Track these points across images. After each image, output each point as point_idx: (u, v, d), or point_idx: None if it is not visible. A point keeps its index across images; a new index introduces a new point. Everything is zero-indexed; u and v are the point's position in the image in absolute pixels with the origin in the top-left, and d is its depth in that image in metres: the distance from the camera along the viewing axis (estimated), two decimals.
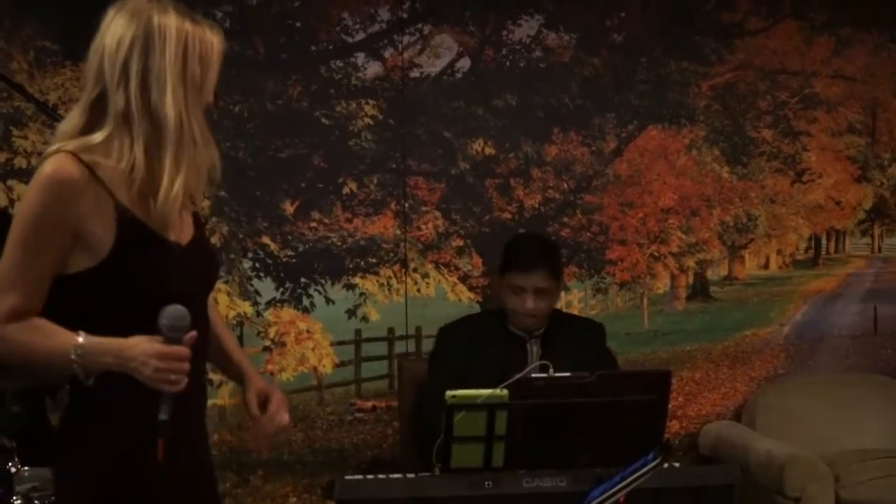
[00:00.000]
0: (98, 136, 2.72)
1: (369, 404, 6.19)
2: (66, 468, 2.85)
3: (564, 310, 5.86)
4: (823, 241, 6.96)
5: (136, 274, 2.70)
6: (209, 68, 2.77)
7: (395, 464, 5.39)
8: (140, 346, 2.61)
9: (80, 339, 2.63)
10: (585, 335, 4.68)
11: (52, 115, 4.31)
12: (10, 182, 5.70)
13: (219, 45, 2.79)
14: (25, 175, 5.70)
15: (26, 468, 4.20)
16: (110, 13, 2.83)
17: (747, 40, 6.53)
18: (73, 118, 2.78)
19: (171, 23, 2.72)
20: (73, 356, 2.63)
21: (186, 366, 2.62)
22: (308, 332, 6.08)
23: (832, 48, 6.62)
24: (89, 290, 2.70)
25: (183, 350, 2.62)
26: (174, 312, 2.62)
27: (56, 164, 2.70)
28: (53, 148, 2.74)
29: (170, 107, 2.70)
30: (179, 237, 2.80)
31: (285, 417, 2.95)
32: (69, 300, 2.71)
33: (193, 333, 2.64)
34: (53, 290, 2.70)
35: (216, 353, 3.01)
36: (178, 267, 2.76)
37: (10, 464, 4.16)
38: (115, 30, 2.80)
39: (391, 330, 6.23)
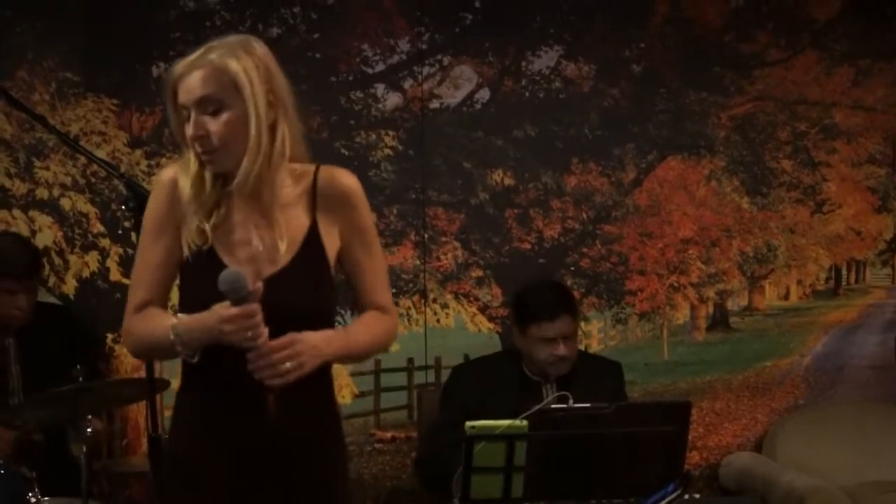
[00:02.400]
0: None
1: (388, 435, 6.18)
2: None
3: (584, 341, 5.86)
4: (844, 272, 6.93)
5: (191, 293, 2.88)
6: (172, 112, 2.94)
7: (415, 495, 5.40)
8: (213, 316, 2.76)
9: (175, 321, 2.83)
10: (602, 376, 4.68)
11: (73, 147, 4.33)
12: (31, 213, 5.73)
13: (179, 77, 2.89)
14: (47, 206, 5.73)
15: (47, 498, 4.21)
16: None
17: (767, 71, 6.53)
18: None
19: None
20: (172, 336, 2.82)
21: (257, 320, 2.74)
22: None
23: (852, 78, 6.62)
24: (181, 286, 2.96)
25: (246, 309, 2.74)
26: (227, 276, 2.74)
27: (165, 170, 2.98)
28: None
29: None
30: (255, 273, 2.87)
31: (280, 362, 2.84)
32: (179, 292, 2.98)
33: (259, 286, 2.76)
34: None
35: None
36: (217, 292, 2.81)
37: (30, 494, 4.17)
38: None
39: (410, 360, 6.23)
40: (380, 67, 6.18)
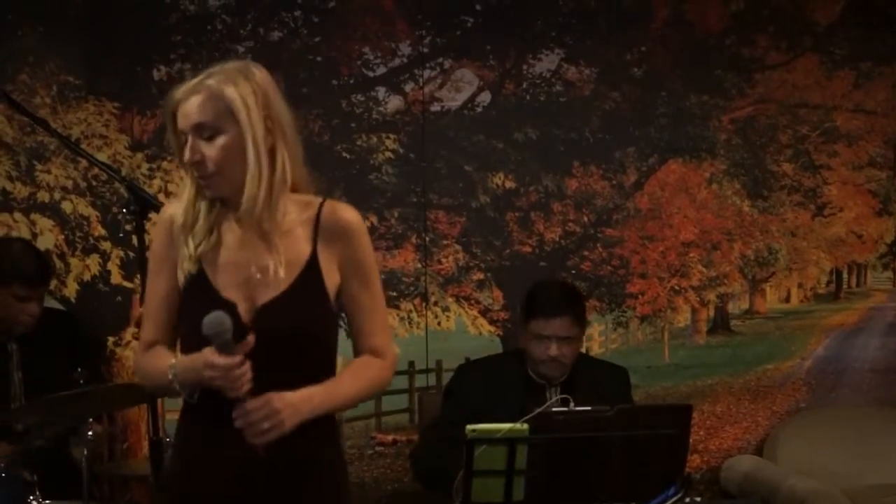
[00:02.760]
0: None
1: (389, 438, 6.18)
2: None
3: (585, 343, 5.85)
4: (845, 275, 6.93)
5: (185, 321, 2.91)
6: (172, 137, 2.95)
7: (416, 498, 5.39)
8: (200, 358, 2.79)
9: (173, 360, 2.88)
10: (608, 382, 4.67)
11: (75, 150, 4.34)
12: (33, 216, 5.74)
13: (175, 104, 2.92)
14: (48, 209, 5.74)
15: (48, 502, 4.21)
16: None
17: (768, 74, 6.53)
18: None
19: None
20: (170, 376, 2.86)
21: (240, 372, 2.74)
22: None
23: (853, 82, 6.62)
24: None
25: (230, 361, 2.74)
26: (211, 321, 2.74)
27: (167, 206, 3.02)
28: None
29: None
30: (251, 298, 2.89)
31: (258, 417, 2.82)
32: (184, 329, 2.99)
33: (251, 339, 2.77)
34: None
35: None
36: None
37: (31, 497, 4.17)
38: None
39: (411, 363, 6.23)
40: (381, 70, 6.18)
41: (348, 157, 6.11)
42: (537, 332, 4.50)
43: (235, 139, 2.86)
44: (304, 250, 2.94)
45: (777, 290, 6.83)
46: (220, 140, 2.86)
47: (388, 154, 6.15)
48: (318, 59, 6.08)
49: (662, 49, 6.41)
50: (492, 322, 6.31)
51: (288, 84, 5.95)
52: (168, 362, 2.88)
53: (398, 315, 6.17)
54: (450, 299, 6.26)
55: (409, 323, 6.19)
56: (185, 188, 2.94)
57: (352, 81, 6.15)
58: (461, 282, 6.28)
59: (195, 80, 2.90)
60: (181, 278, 2.92)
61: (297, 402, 2.85)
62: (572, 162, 6.36)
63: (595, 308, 6.41)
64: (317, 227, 2.97)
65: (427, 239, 6.20)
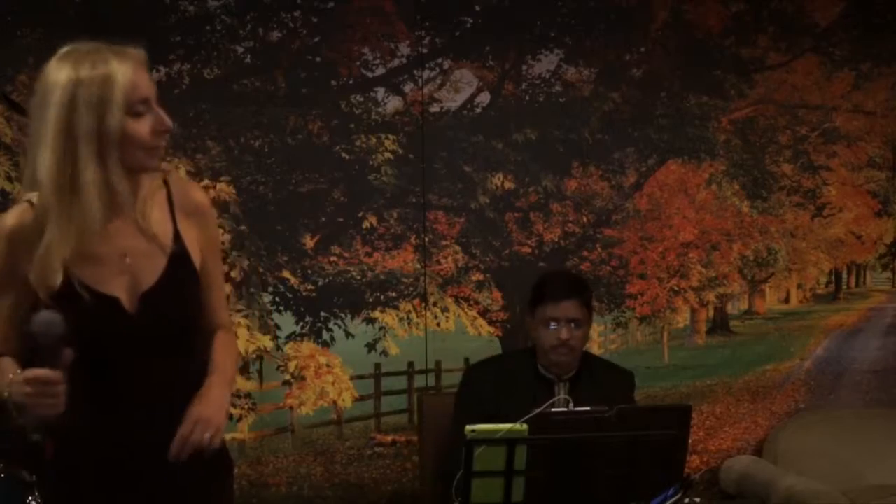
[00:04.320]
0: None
1: (389, 438, 6.18)
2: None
3: (585, 345, 5.85)
4: (844, 276, 6.94)
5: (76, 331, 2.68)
6: (108, 108, 2.68)
7: (415, 499, 5.39)
8: (17, 377, 2.62)
9: (11, 377, 2.66)
10: (614, 383, 4.66)
11: None
12: None
13: (124, 72, 2.71)
14: None
15: None
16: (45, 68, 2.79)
17: (767, 75, 6.53)
18: (24, 172, 2.84)
19: (55, 76, 2.70)
20: (5, 394, 2.67)
21: (59, 388, 2.58)
22: (328, 366, 6.08)
23: (852, 83, 6.62)
24: None
25: (50, 374, 2.58)
26: (42, 319, 2.59)
27: (9, 214, 2.78)
28: (19, 198, 2.82)
29: (45, 163, 2.68)
30: (132, 287, 2.78)
31: (199, 438, 2.74)
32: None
33: (69, 352, 2.60)
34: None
35: None
36: (99, 324, 2.74)
37: (30, 497, 4.17)
38: (37, 87, 2.77)
39: (411, 364, 6.23)
40: (380, 71, 6.18)
41: (347, 157, 6.11)
42: (547, 316, 4.49)
43: None
44: (167, 229, 2.84)
45: (776, 290, 6.83)
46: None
47: (388, 155, 6.15)
48: (318, 59, 6.08)
49: (662, 50, 6.41)
50: (491, 323, 6.31)
51: (287, 84, 5.98)
52: (6, 378, 2.67)
53: (397, 316, 6.17)
54: (449, 300, 6.26)
55: (409, 323, 6.19)
56: (62, 185, 2.69)
57: (351, 82, 6.15)
58: (460, 282, 6.28)
59: (115, 46, 2.76)
60: (42, 286, 2.72)
61: (218, 399, 2.79)
62: (572, 162, 6.36)
63: (594, 308, 6.39)
64: (171, 204, 2.86)
65: (426, 239, 6.20)
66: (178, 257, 2.83)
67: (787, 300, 6.87)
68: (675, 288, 6.52)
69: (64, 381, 2.58)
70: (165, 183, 2.87)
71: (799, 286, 6.87)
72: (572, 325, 4.50)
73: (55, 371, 2.58)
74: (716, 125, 6.48)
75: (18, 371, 2.64)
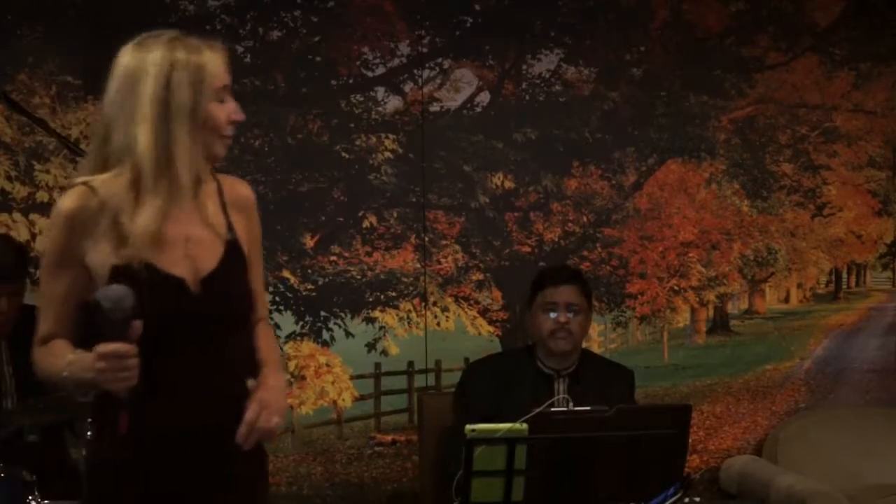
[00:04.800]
0: (113, 171, 2.84)
1: (389, 438, 6.18)
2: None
3: (585, 344, 5.85)
4: (844, 275, 6.94)
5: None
6: (202, 89, 2.84)
7: (415, 498, 5.39)
8: (90, 355, 2.68)
9: (70, 357, 2.76)
10: (614, 380, 4.67)
11: (74, 150, 4.33)
12: (32, 216, 5.73)
13: (217, 62, 2.89)
14: (47, 209, 5.73)
15: (46, 502, 4.20)
16: (119, 54, 2.96)
17: (767, 74, 6.53)
18: (89, 156, 2.93)
19: (156, 55, 2.86)
20: (64, 374, 2.76)
21: (133, 361, 2.66)
22: (328, 365, 6.08)
23: (852, 82, 6.62)
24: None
25: (124, 348, 2.65)
26: (110, 292, 2.65)
27: (66, 197, 2.87)
28: (74, 181, 2.90)
29: (143, 142, 2.78)
30: (195, 270, 2.86)
31: (266, 423, 2.83)
32: (89, 328, 2.81)
33: (138, 324, 2.67)
34: (83, 317, 2.85)
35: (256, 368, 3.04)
36: (165, 302, 2.79)
37: (30, 497, 4.16)
38: (116, 70, 2.92)
39: (411, 363, 6.23)
40: (380, 71, 6.18)
41: (347, 157, 6.11)
42: (546, 301, 4.51)
43: None
44: (221, 220, 2.94)
45: (776, 290, 6.83)
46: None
47: (388, 154, 6.15)
48: (318, 59, 6.08)
49: (662, 49, 6.41)
50: (491, 322, 6.30)
51: (287, 84, 5.98)
52: (65, 359, 2.78)
53: (397, 315, 6.17)
54: (449, 299, 6.26)
55: (409, 323, 6.18)
56: (127, 175, 2.81)
57: (351, 81, 6.15)
58: (460, 282, 6.27)
59: (198, 39, 2.90)
60: (100, 266, 2.80)
61: (278, 385, 2.90)
62: (571, 162, 6.36)
63: (594, 308, 6.39)
64: (222, 199, 2.96)
65: (426, 239, 6.20)
66: (233, 246, 2.93)
67: (787, 300, 6.87)
68: (675, 287, 6.52)
69: (136, 354, 2.66)
70: (214, 177, 2.97)
71: (799, 286, 6.87)
72: (571, 311, 4.52)
73: (127, 344, 2.65)
74: (716, 125, 6.48)
75: (77, 352, 2.74)
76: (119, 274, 2.76)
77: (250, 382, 2.89)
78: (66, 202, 2.86)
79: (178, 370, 2.82)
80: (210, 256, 2.88)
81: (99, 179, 2.84)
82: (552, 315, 4.51)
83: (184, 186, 2.81)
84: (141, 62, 2.86)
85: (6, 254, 4.78)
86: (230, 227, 2.94)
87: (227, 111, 2.88)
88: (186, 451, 2.86)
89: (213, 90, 2.86)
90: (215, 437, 2.84)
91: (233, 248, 2.93)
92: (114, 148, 2.82)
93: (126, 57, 2.90)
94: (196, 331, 2.82)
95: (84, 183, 2.85)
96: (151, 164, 2.78)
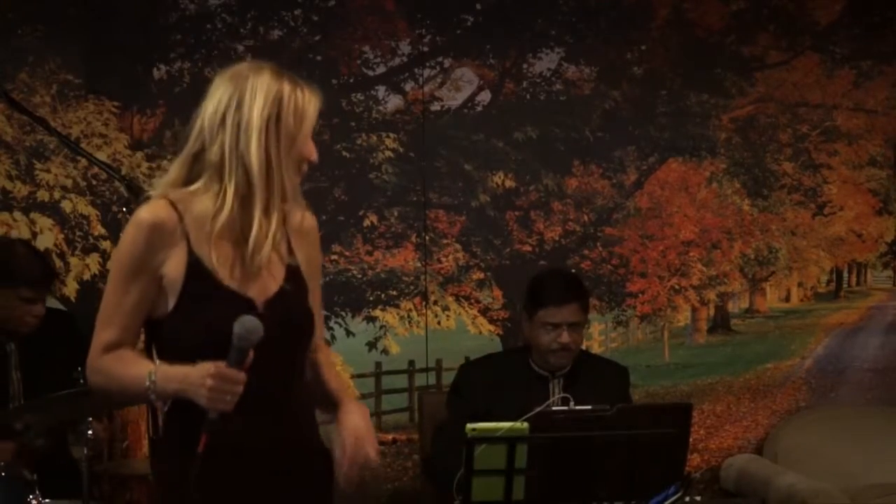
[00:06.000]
0: (193, 187, 2.90)
1: (389, 437, 6.18)
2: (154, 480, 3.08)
3: (585, 343, 5.85)
4: (845, 274, 6.93)
5: (196, 327, 2.83)
6: (303, 122, 2.93)
7: (416, 497, 5.40)
8: (201, 369, 2.74)
9: (153, 367, 2.81)
10: (609, 378, 4.67)
11: (74, 149, 4.33)
12: (32, 215, 5.74)
13: (315, 104, 2.98)
14: (48, 208, 5.74)
15: (47, 501, 4.21)
16: (215, 80, 2.99)
17: (768, 73, 6.53)
18: (173, 171, 2.95)
19: (264, 80, 2.93)
20: (147, 383, 2.79)
21: (240, 388, 2.74)
22: None
23: (853, 81, 6.62)
24: (165, 337, 2.89)
25: (238, 375, 2.74)
26: (249, 324, 2.74)
27: (148, 208, 2.90)
28: (153, 193, 2.94)
29: (255, 153, 2.85)
30: (263, 291, 2.92)
31: (366, 454, 2.99)
32: (155, 344, 2.93)
33: (251, 355, 2.75)
34: (146, 332, 2.93)
35: (322, 399, 3.11)
36: (228, 321, 2.79)
37: (31, 496, 4.17)
38: (214, 92, 2.96)
39: (411, 362, 6.23)
40: (381, 70, 6.19)
41: (348, 156, 6.11)
42: (546, 320, 4.50)
43: None
44: (284, 244, 3.00)
45: (777, 289, 6.82)
46: None
47: (388, 153, 6.16)
48: (318, 58, 6.08)
49: (662, 48, 6.41)
50: (492, 321, 6.31)
51: None
52: (147, 369, 2.82)
53: (398, 314, 6.17)
54: (450, 298, 6.26)
55: (409, 322, 6.19)
56: (215, 190, 2.88)
57: (352, 80, 6.15)
58: (461, 281, 6.28)
59: (303, 81, 2.99)
60: (173, 280, 2.86)
61: (366, 415, 3.04)
62: (572, 161, 6.36)
63: (595, 307, 6.40)
64: (284, 224, 3.00)
65: (427, 238, 6.20)
66: (294, 270, 2.99)
67: (787, 299, 6.86)
68: (676, 286, 6.52)
69: (244, 383, 2.75)
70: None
71: (800, 284, 6.87)
72: (572, 329, 4.52)
73: (241, 372, 2.75)
74: (716, 123, 6.48)
75: (158, 362, 2.81)
76: (192, 289, 2.85)
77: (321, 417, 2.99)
78: (148, 214, 2.88)
79: (245, 389, 2.82)
80: (273, 279, 2.94)
81: (178, 194, 2.89)
82: (553, 334, 4.51)
83: (280, 199, 2.89)
84: (248, 84, 2.92)
85: (40, 261, 4.85)
86: (290, 251, 3.00)
87: (312, 150, 2.96)
88: (250, 469, 2.93)
89: (310, 127, 2.95)
90: (279, 455, 2.93)
91: (294, 272, 2.98)
92: (209, 161, 2.88)
93: (227, 79, 2.96)
94: (262, 351, 2.83)
95: (165, 197, 2.89)
96: (262, 179, 2.86)
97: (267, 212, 2.87)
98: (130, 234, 2.89)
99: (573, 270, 6.23)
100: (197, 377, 2.74)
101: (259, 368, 2.82)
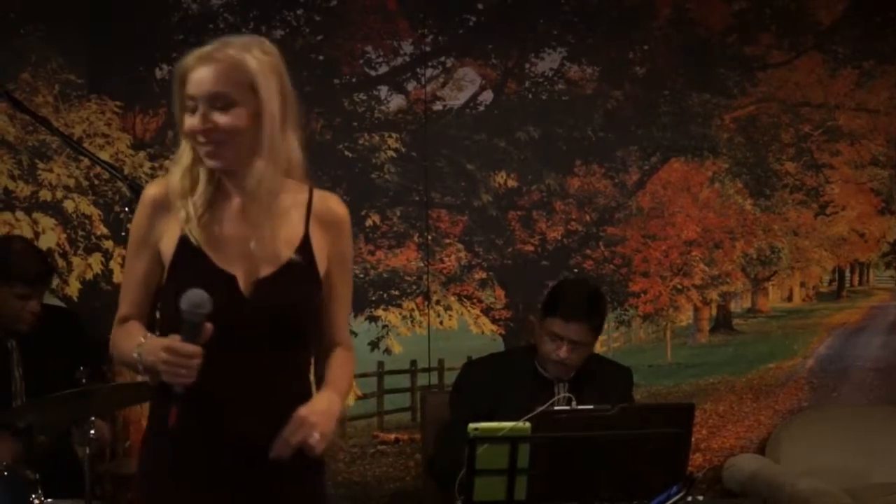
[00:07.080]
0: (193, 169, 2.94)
1: (392, 437, 6.18)
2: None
3: None
4: (847, 274, 6.93)
5: (177, 301, 2.79)
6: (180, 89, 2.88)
7: (418, 497, 5.39)
8: (157, 342, 2.79)
9: (142, 339, 2.85)
10: (612, 379, 4.66)
11: (77, 149, 4.34)
12: (35, 215, 5.74)
13: (184, 65, 2.87)
14: (51, 208, 5.74)
15: (50, 500, 4.21)
16: None
17: (770, 73, 6.53)
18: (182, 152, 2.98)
19: (282, 64, 2.99)
20: (134, 355, 2.85)
21: (195, 362, 2.74)
22: None
23: (855, 81, 6.62)
24: (160, 310, 2.97)
25: (190, 348, 2.74)
26: (193, 298, 2.74)
27: (153, 184, 3.00)
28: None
29: (295, 146, 2.97)
30: (252, 272, 2.89)
31: (306, 435, 2.85)
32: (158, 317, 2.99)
33: (209, 327, 2.75)
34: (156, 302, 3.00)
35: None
36: (222, 299, 2.80)
37: (34, 496, 4.17)
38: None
39: (414, 362, 6.23)
40: (383, 69, 6.18)
41: (350, 156, 6.11)
42: (552, 330, 4.49)
43: (250, 112, 2.85)
44: (298, 231, 2.95)
45: (779, 288, 6.82)
46: (235, 111, 2.84)
47: (391, 153, 6.16)
48: (321, 57, 6.08)
49: (665, 48, 6.41)
50: (494, 321, 6.31)
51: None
52: (137, 341, 2.86)
53: (400, 314, 6.17)
54: (452, 298, 6.26)
55: (412, 322, 6.19)
56: (181, 157, 2.92)
57: (354, 80, 6.15)
58: (463, 281, 6.28)
59: (211, 47, 2.87)
60: (167, 253, 2.90)
61: (325, 406, 2.90)
62: (574, 161, 6.36)
63: None
64: (308, 211, 2.99)
65: (429, 238, 6.20)
66: (301, 257, 2.94)
67: (790, 298, 6.86)
68: (678, 286, 6.52)
69: (200, 356, 2.75)
70: (310, 191, 3.03)
71: (802, 284, 6.86)
72: (574, 345, 4.49)
73: (195, 346, 2.73)
74: (718, 123, 6.48)
75: (148, 336, 2.86)
76: (178, 264, 2.88)
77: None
78: (151, 189, 2.97)
79: (218, 372, 2.81)
80: (270, 262, 2.90)
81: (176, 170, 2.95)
82: (554, 345, 4.50)
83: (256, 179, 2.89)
84: (280, 66, 3.00)
85: (37, 257, 4.86)
86: (304, 240, 2.95)
87: (187, 122, 2.90)
88: (222, 456, 2.90)
89: (185, 97, 2.90)
90: (252, 447, 2.87)
91: (298, 261, 2.93)
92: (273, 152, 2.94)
93: (276, 57, 3.01)
94: (239, 334, 2.84)
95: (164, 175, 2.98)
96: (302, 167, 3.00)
97: (241, 188, 2.88)
98: (137, 211, 2.98)
99: (575, 270, 6.23)
100: (153, 350, 2.78)
101: (233, 354, 2.82)
